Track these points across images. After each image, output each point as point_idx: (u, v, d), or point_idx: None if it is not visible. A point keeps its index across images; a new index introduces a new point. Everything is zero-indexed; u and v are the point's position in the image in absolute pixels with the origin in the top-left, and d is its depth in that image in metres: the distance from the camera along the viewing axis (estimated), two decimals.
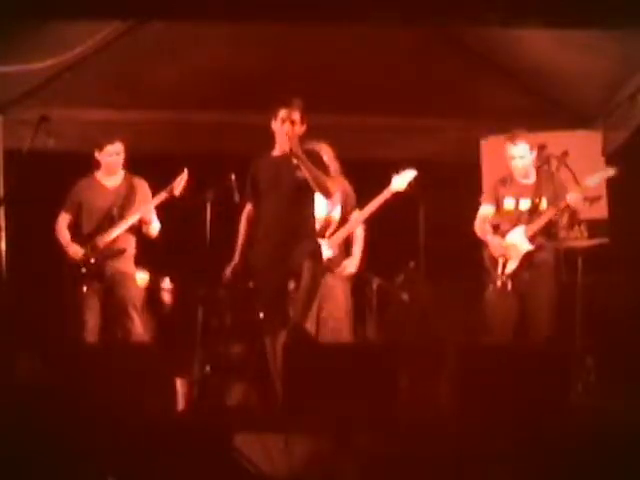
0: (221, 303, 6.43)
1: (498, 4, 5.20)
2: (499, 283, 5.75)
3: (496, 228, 5.93)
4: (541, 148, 5.93)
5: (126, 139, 6.06)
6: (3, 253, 6.77)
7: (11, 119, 7.04)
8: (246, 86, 6.76)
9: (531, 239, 5.77)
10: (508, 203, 5.90)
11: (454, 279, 6.74)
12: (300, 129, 5.28)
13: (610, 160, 6.80)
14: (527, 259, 5.76)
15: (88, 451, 4.05)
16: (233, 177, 5.79)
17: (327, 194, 5.33)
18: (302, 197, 5.28)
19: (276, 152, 5.32)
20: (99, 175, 6.07)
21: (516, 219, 5.84)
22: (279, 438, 4.14)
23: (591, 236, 6.92)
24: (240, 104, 6.94)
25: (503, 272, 5.77)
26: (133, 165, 6.18)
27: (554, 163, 5.95)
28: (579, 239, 6.90)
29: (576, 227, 6.91)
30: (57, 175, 6.90)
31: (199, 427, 4.31)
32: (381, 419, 4.33)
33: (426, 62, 6.82)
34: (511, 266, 5.77)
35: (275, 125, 5.26)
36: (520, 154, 5.84)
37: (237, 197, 5.75)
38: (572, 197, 5.72)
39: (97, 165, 6.06)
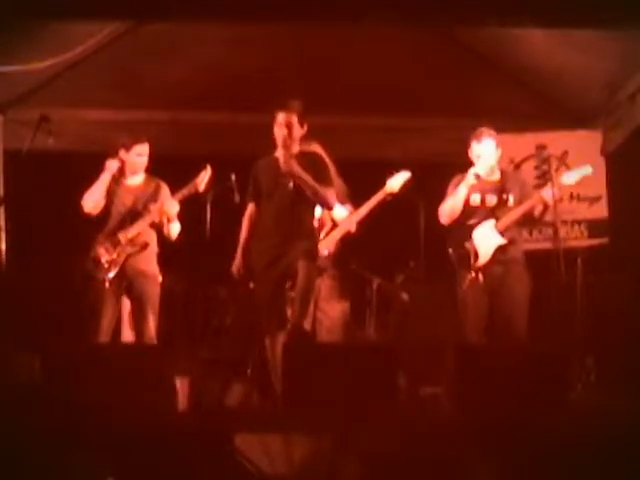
0: (221, 303, 6.44)
1: (498, 4, 5.20)
2: (472, 274, 5.67)
3: (463, 223, 5.81)
4: (541, 148, 5.92)
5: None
6: (3, 253, 6.76)
7: (11, 119, 7.04)
8: (246, 86, 6.77)
9: (502, 232, 5.69)
10: (474, 199, 5.80)
11: (454, 279, 6.73)
12: (299, 132, 5.30)
13: (610, 160, 6.82)
14: (499, 253, 5.69)
15: (88, 451, 4.04)
16: (233, 177, 5.79)
17: (328, 206, 5.37)
18: (301, 198, 5.29)
19: (278, 153, 5.33)
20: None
21: (484, 214, 5.76)
22: (279, 438, 4.14)
23: (591, 236, 6.92)
24: (240, 104, 6.94)
25: (475, 264, 5.69)
26: None
27: (554, 163, 5.94)
28: (579, 239, 6.91)
29: (576, 227, 6.93)
30: (57, 175, 6.92)
31: (199, 427, 4.31)
32: (381, 419, 4.33)
33: (425, 62, 6.82)
34: (482, 259, 5.69)
35: (275, 128, 5.29)
36: (484, 152, 5.79)
37: (237, 197, 5.75)
38: (547, 192, 5.66)
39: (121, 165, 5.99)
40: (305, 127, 5.32)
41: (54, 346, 4.84)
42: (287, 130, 5.26)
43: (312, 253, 5.34)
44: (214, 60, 6.70)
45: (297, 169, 5.21)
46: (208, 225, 5.94)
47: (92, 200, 5.82)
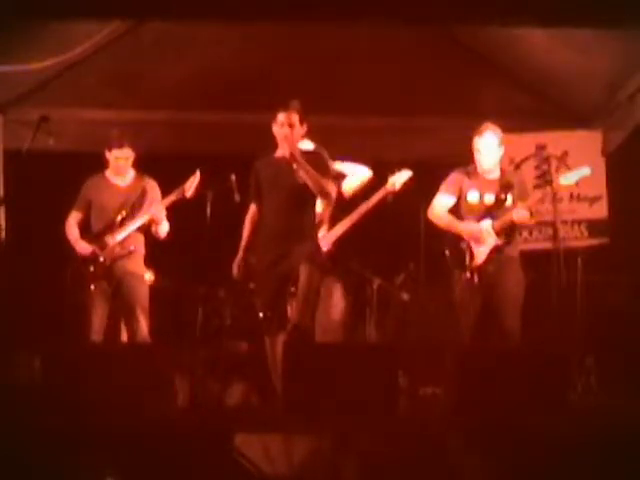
0: (221, 303, 6.43)
1: (498, 4, 5.21)
2: (468, 275, 5.65)
3: (459, 220, 5.80)
4: (541, 148, 5.91)
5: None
6: (3, 253, 6.76)
7: (11, 119, 7.04)
8: (246, 86, 6.77)
9: (498, 233, 5.66)
10: (472, 196, 5.77)
11: (450, 279, 6.73)
12: (300, 131, 5.29)
13: (610, 160, 6.82)
14: (495, 253, 5.66)
15: (88, 451, 4.04)
16: (233, 177, 5.80)
17: (326, 197, 5.35)
18: (303, 199, 5.28)
19: (278, 153, 5.32)
20: (109, 174, 6.02)
21: (481, 213, 5.73)
22: (279, 438, 4.14)
23: (591, 236, 6.92)
24: (240, 104, 6.94)
25: (470, 264, 5.66)
26: (133, 165, 6.16)
27: (554, 163, 5.93)
28: (579, 239, 6.91)
29: (576, 227, 6.93)
30: (57, 175, 6.91)
31: (199, 427, 4.31)
32: (381, 419, 4.33)
33: (425, 62, 6.83)
34: (478, 259, 5.66)
35: (275, 128, 5.28)
36: (487, 147, 5.74)
37: (237, 197, 5.75)
38: (518, 213, 5.61)
39: (106, 164, 6.02)
40: (305, 126, 5.32)
41: (54, 346, 4.84)
42: (288, 129, 5.25)
43: (314, 255, 5.32)
44: (214, 60, 6.70)
45: (299, 154, 5.20)
46: (208, 225, 5.94)
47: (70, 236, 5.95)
